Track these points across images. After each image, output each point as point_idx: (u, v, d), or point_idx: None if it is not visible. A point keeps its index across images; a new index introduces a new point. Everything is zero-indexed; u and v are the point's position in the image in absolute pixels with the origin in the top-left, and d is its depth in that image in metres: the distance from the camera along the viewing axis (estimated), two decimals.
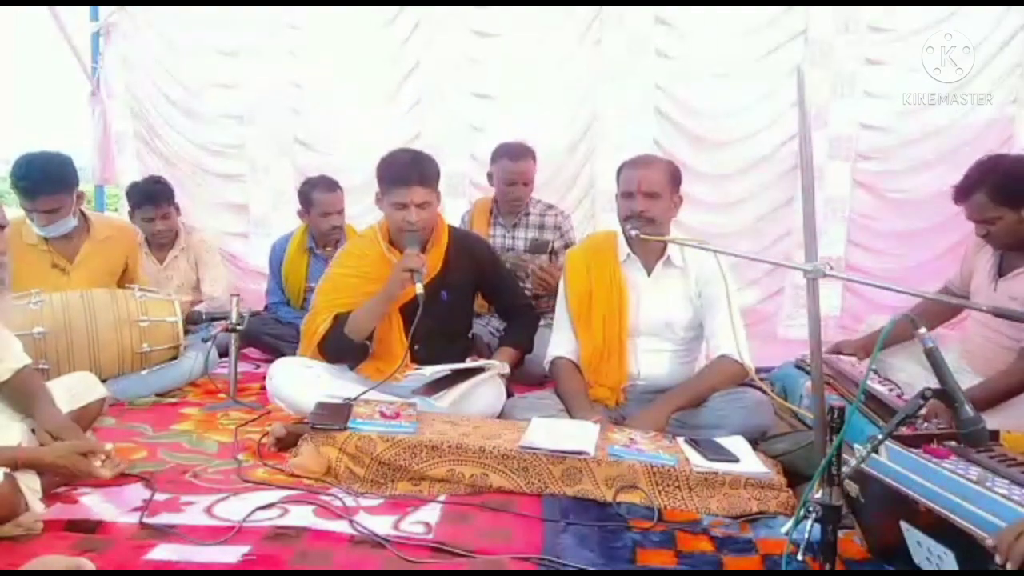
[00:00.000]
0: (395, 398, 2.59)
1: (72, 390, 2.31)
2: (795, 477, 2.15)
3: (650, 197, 2.53)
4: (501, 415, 2.63)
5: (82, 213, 3.13)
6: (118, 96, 4.96)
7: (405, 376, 2.65)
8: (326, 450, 2.23)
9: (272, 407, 2.81)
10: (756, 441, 2.35)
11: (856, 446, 1.66)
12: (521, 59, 4.67)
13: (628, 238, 2.62)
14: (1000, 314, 2.07)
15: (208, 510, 1.99)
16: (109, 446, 2.02)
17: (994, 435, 1.71)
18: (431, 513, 2.02)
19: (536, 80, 4.68)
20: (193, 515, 1.96)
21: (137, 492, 2.10)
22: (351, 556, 1.77)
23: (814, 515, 1.51)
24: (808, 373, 2.66)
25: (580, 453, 2.12)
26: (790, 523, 1.55)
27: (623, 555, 1.80)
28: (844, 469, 1.53)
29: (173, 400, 3.10)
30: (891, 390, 2.49)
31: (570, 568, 1.72)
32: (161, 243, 3.80)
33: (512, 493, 2.12)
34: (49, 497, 1.95)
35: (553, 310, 2.85)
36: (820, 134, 4.41)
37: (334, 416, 2.30)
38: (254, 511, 1.96)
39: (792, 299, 4.59)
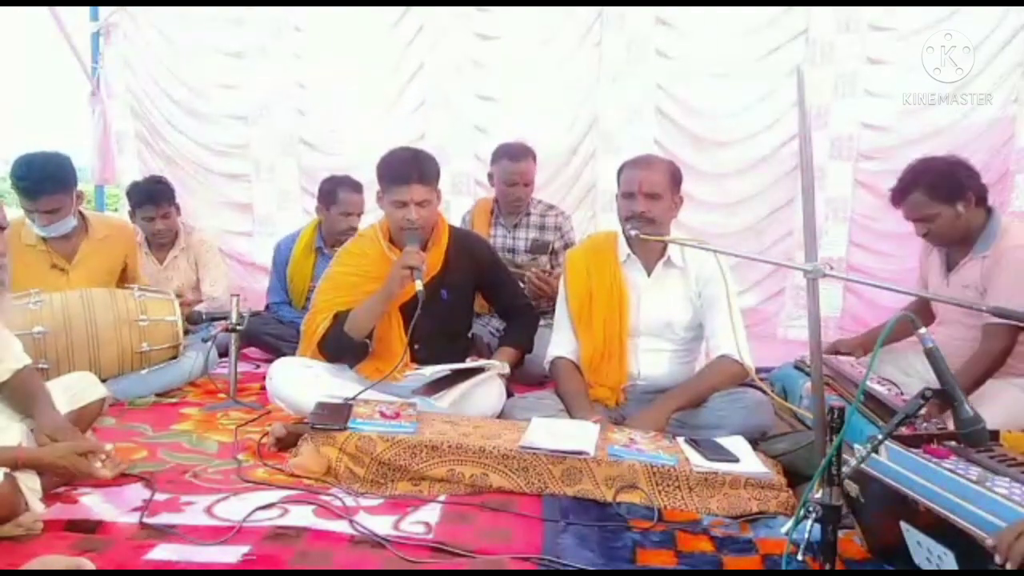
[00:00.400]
0: (395, 398, 2.59)
1: (72, 390, 2.31)
2: (795, 477, 2.15)
3: (651, 198, 2.53)
4: (501, 415, 2.63)
5: (80, 213, 3.13)
6: (118, 96, 4.97)
7: (405, 376, 2.65)
8: (326, 450, 2.23)
9: (272, 407, 2.81)
10: (756, 441, 2.35)
11: (856, 446, 1.66)
12: (523, 61, 4.71)
13: (628, 238, 2.62)
14: (1000, 314, 2.07)
15: (208, 510, 1.99)
16: (109, 446, 2.02)
17: (994, 435, 1.72)
18: (431, 513, 2.02)
19: (538, 81, 4.71)
20: (193, 515, 1.96)
21: (137, 492, 2.10)
22: (351, 556, 1.77)
23: (814, 515, 1.51)
24: (807, 374, 2.67)
25: (580, 453, 2.12)
26: (790, 523, 1.55)
27: (623, 555, 1.80)
28: (844, 469, 1.52)
29: (173, 400, 3.10)
30: (891, 390, 2.49)
31: (570, 568, 1.72)
32: (161, 243, 3.80)
33: (512, 493, 2.12)
34: (49, 497, 1.95)
35: (553, 310, 2.85)
36: (821, 134, 4.41)
37: (334, 416, 2.30)
38: (254, 511, 1.96)
39: (793, 300, 4.59)
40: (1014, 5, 4.11)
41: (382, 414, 2.35)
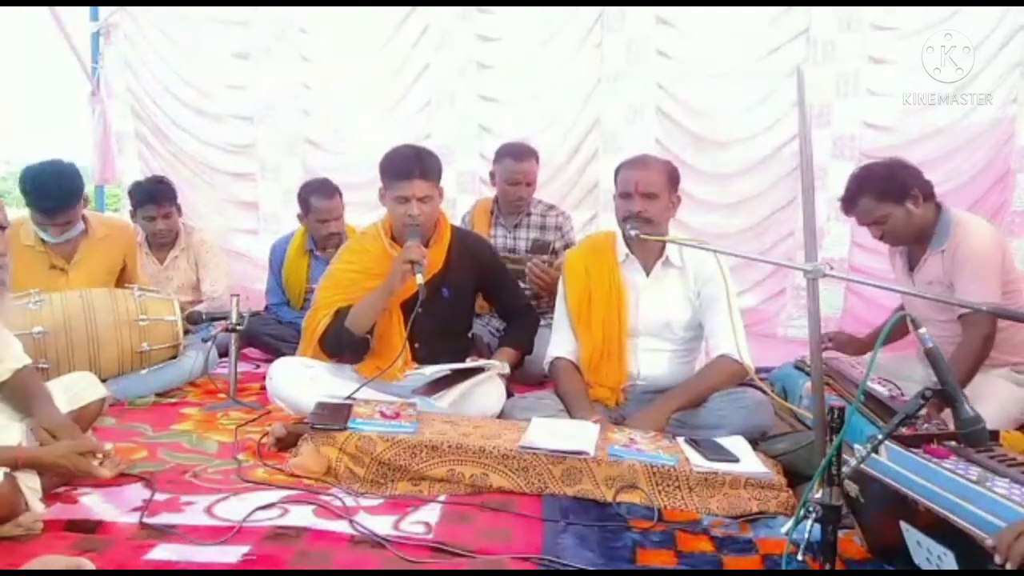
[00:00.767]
0: (395, 398, 2.59)
1: (72, 390, 2.31)
2: (795, 477, 2.15)
3: (648, 198, 2.53)
4: (501, 415, 2.63)
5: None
6: (118, 96, 4.99)
7: (405, 376, 2.65)
8: (326, 450, 2.23)
9: (272, 407, 2.82)
10: (756, 441, 2.35)
11: (856, 446, 1.66)
12: (525, 62, 4.73)
13: (627, 238, 2.62)
14: (1000, 314, 2.08)
15: (208, 510, 1.99)
16: (109, 446, 2.02)
17: (994, 435, 1.72)
18: (431, 513, 2.02)
19: (540, 82, 4.72)
20: (193, 515, 1.96)
21: (137, 492, 2.10)
22: (351, 556, 1.77)
23: (814, 515, 1.51)
24: (807, 374, 2.67)
25: (580, 453, 2.12)
26: (790, 523, 1.55)
27: (623, 555, 1.80)
28: (844, 469, 1.52)
29: (173, 400, 3.10)
30: (891, 390, 2.49)
31: (570, 568, 1.72)
32: (162, 243, 3.80)
33: (512, 493, 2.12)
34: (49, 497, 1.95)
35: (553, 310, 2.85)
36: (824, 133, 4.41)
37: (334, 416, 2.30)
38: (254, 511, 1.96)
39: (794, 300, 4.58)
40: (1014, 5, 4.11)
41: (382, 414, 2.35)
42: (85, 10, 4.98)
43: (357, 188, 4.16)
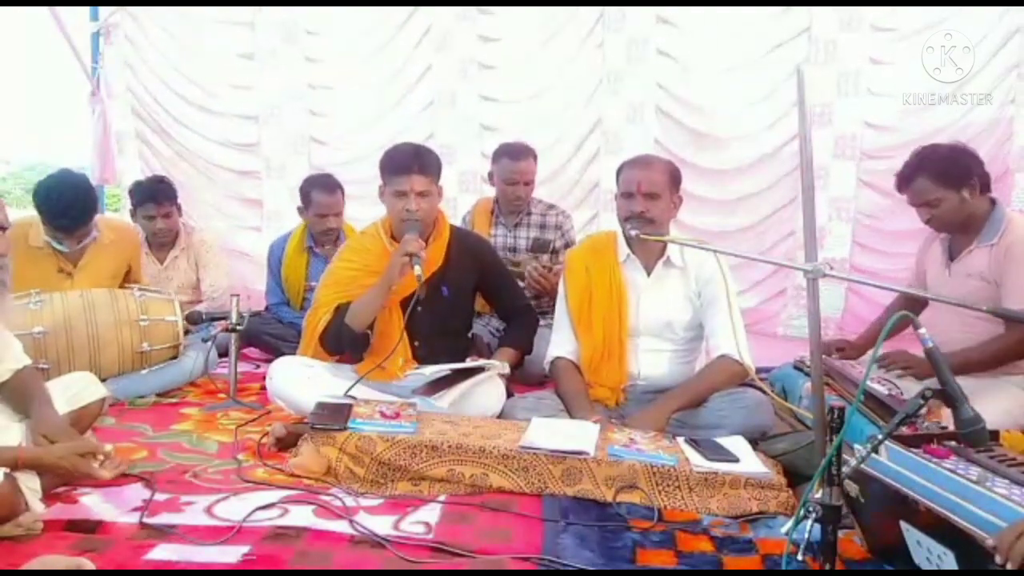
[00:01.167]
0: (395, 398, 2.59)
1: (72, 390, 2.31)
2: (795, 477, 2.15)
3: (650, 198, 2.53)
4: (501, 415, 2.62)
5: None
6: (118, 96, 4.99)
7: (405, 375, 2.65)
8: (326, 450, 2.23)
9: (272, 407, 2.82)
10: (756, 441, 2.35)
11: (856, 446, 1.66)
12: (525, 62, 4.74)
13: (628, 238, 2.62)
14: (1000, 315, 2.08)
15: (208, 510, 1.99)
16: (109, 447, 2.02)
17: (994, 435, 1.71)
18: (431, 513, 2.02)
19: (541, 82, 4.73)
20: (193, 515, 1.96)
21: (137, 492, 2.10)
22: (351, 556, 1.77)
23: (814, 515, 1.51)
24: (807, 374, 2.67)
25: (580, 453, 2.12)
26: (790, 523, 1.55)
27: (623, 555, 1.80)
28: (844, 469, 1.52)
29: (173, 400, 3.10)
30: (891, 390, 2.49)
31: (570, 568, 1.72)
32: (162, 243, 3.80)
33: (512, 493, 2.12)
34: (49, 497, 1.95)
35: (553, 310, 2.85)
36: (826, 132, 4.42)
37: (334, 416, 2.30)
38: (254, 511, 1.96)
39: (795, 300, 4.59)
40: (1014, 5, 4.12)
41: (382, 414, 2.35)
42: (85, 10, 4.98)
43: (362, 183, 4.17)
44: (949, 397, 1.51)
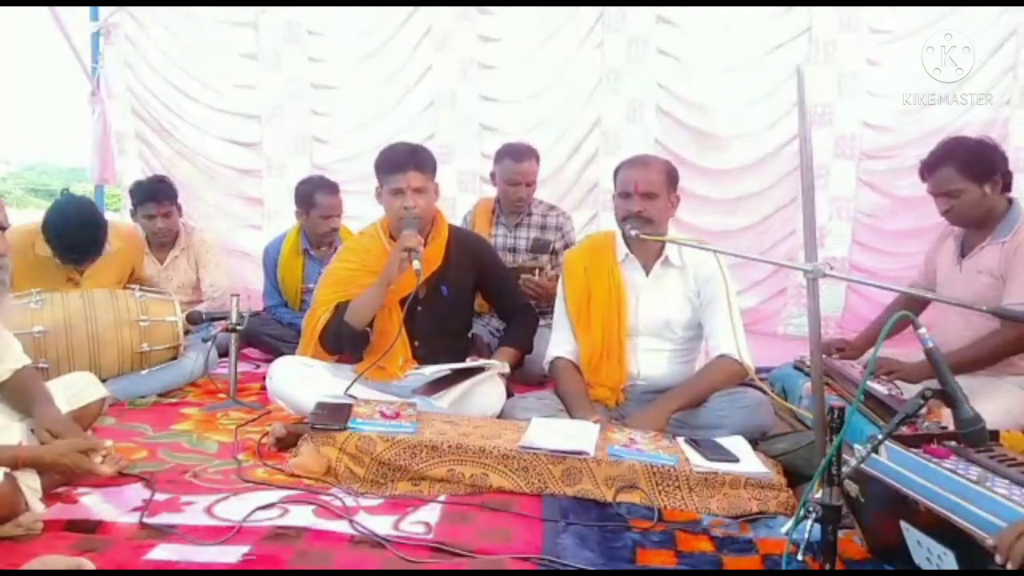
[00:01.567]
0: (395, 398, 2.59)
1: (72, 389, 2.31)
2: (795, 477, 2.15)
3: (648, 197, 2.53)
4: (501, 415, 2.62)
5: None
6: (118, 96, 4.99)
7: (405, 375, 2.65)
8: (326, 450, 2.23)
9: (272, 407, 2.82)
10: (756, 441, 2.35)
11: (856, 446, 1.66)
12: (526, 62, 4.75)
13: (626, 238, 2.62)
14: (999, 314, 2.08)
15: (208, 510, 1.99)
16: (109, 443, 2.02)
17: (994, 435, 1.71)
18: (431, 513, 2.02)
19: (541, 82, 4.74)
20: (193, 515, 1.96)
21: (137, 492, 2.10)
22: (351, 556, 1.77)
23: (814, 515, 1.51)
24: (807, 374, 2.67)
25: (580, 453, 2.12)
26: (790, 523, 1.55)
27: (623, 555, 1.80)
28: (844, 469, 1.52)
29: (173, 400, 3.10)
30: (891, 390, 2.49)
31: (570, 568, 1.72)
32: (162, 243, 3.81)
33: (512, 493, 2.12)
34: (49, 497, 1.95)
35: (553, 310, 2.85)
36: (826, 132, 4.44)
37: (334, 416, 2.30)
38: (254, 511, 1.96)
39: (795, 299, 4.60)
40: (1013, 5, 4.13)
41: (382, 414, 2.35)
42: (85, 10, 4.98)
43: (363, 180, 4.17)
44: (949, 397, 1.51)
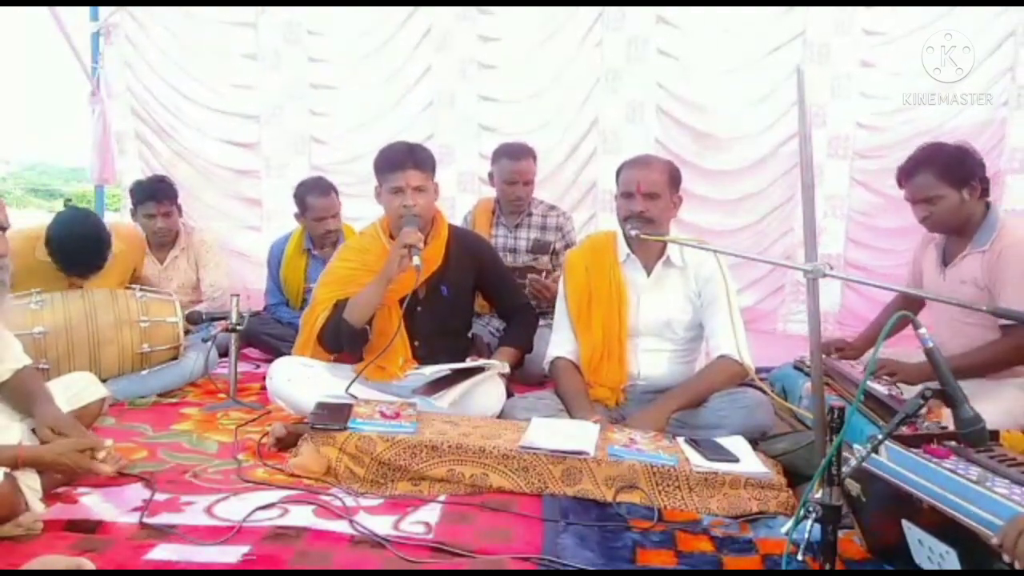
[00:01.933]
0: (395, 398, 2.59)
1: (72, 389, 2.31)
2: (795, 477, 2.15)
3: (649, 197, 2.53)
4: (501, 415, 2.62)
5: None
6: (118, 96, 5.00)
7: (405, 375, 2.65)
8: (326, 450, 2.23)
9: (272, 407, 2.82)
10: (756, 441, 2.35)
11: (856, 446, 1.66)
12: (525, 62, 4.76)
13: (628, 238, 2.62)
14: (1000, 314, 2.08)
15: (208, 510, 1.99)
16: (109, 441, 2.02)
17: (994, 435, 1.71)
18: (431, 513, 2.02)
19: (540, 82, 4.74)
20: (193, 515, 1.96)
21: (137, 492, 2.10)
22: (351, 556, 1.77)
23: (814, 515, 1.51)
24: (807, 374, 2.67)
25: (580, 453, 2.12)
26: (790, 523, 1.55)
27: (623, 555, 1.80)
28: (844, 469, 1.52)
29: (173, 400, 3.10)
30: (890, 390, 2.49)
31: (570, 568, 1.72)
32: (161, 242, 3.81)
33: (512, 493, 2.12)
34: (49, 497, 1.95)
35: (553, 310, 2.85)
36: (819, 133, 4.47)
37: (334, 416, 2.30)
38: (254, 511, 1.96)
39: (793, 295, 4.62)
40: (1011, 5, 4.13)
41: (382, 414, 2.35)
42: (85, 10, 4.99)
43: (362, 182, 4.18)
44: (949, 397, 1.51)
